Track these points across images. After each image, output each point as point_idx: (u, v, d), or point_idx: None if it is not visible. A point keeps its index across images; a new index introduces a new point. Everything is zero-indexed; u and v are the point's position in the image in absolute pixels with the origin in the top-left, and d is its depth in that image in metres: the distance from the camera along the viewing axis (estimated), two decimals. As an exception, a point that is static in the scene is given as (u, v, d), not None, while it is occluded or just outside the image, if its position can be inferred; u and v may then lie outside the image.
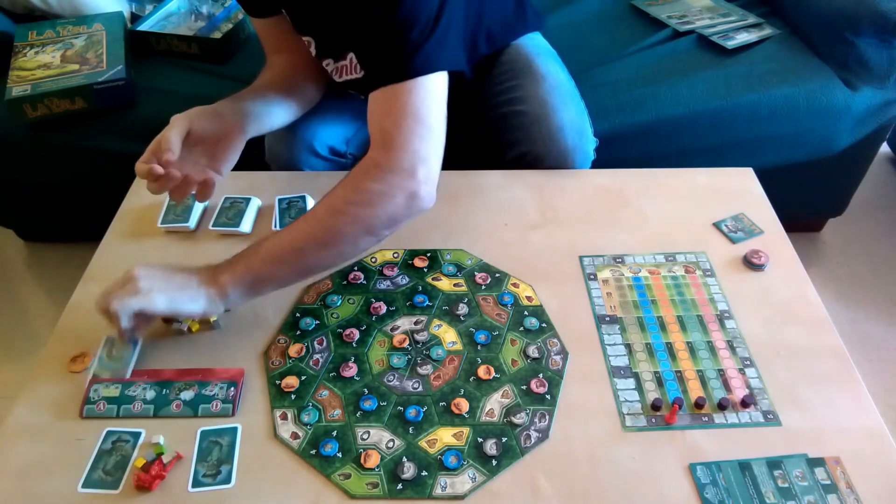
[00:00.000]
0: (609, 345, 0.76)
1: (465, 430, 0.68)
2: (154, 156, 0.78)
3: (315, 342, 0.77)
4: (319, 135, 1.02)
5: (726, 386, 0.72)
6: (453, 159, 1.09)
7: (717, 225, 0.91)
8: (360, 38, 0.81)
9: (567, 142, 0.99)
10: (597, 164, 1.05)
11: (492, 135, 1.04)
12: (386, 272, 0.85)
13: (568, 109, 1.01)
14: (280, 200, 0.94)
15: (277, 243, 0.74)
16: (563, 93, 1.02)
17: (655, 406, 0.70)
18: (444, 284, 0.84)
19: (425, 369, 0.74)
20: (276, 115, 0.93)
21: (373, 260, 0.87)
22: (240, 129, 0.86)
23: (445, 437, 0.68)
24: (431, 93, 0.74)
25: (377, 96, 0.75)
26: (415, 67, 0.72)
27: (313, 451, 0.66)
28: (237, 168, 1.01)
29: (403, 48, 0.72)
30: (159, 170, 0.77)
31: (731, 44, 1.37)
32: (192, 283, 0.72)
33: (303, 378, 0.73)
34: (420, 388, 0.72)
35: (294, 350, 0.76)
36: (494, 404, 0.71)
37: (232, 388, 0.71)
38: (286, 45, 0.97)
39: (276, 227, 0.90)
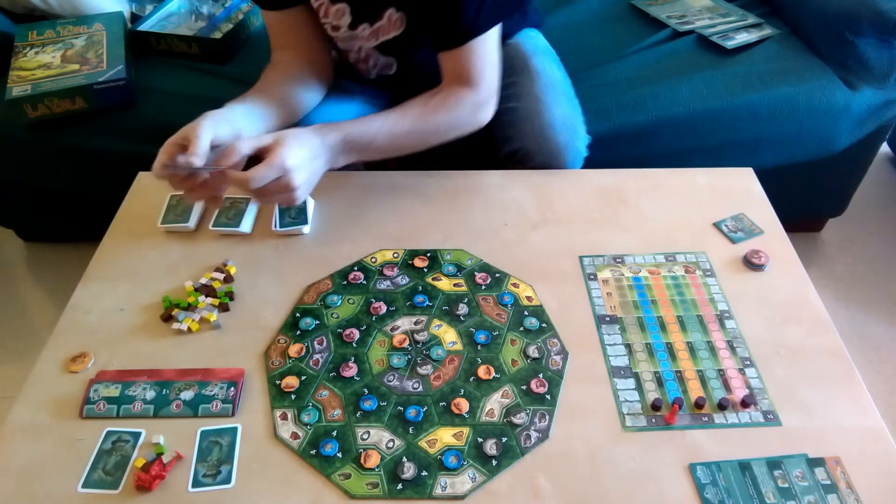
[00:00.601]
0: (609, 345, 0.76)
1: (465, 430, 0.68)
2: (174, 156, 0.76)
3: (315, 342, 0.77)
4: None
5: (726, 386, 0.72)
6: (451, 156, 1.09)
7: (717, 225, 0.91)
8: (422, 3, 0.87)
9: (558, 138, 0.99)
10: (597, 164, 1.05)
11: (487, 131, 1.05)
12: (386, 272, 0.85)
13: (560, 107, 1.01)
14: (280, 200, 0.94)
15: (387, 142, 0.88)
16: (557, 90, 1.03)
17: (655, 406, 0.70)
18: (444, 284, 0.84)
19: (425, 369, 0.74)
20: (279, 116, 0.92)
21: (373, 260, 0.87)
22: (248, 133, 0.85)
23: (445, 437, 0.68)
24: (496, 36, 0.89)
25: (458, 51, 0.87)
26: (489, 22, 0.86)
27: (313, 451, 0.66)
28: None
29: (481, 7, 0.83)
30: (184, 170, 0.76)
31: (730, 44, 1.37)
32: (320, 175, 0.85)
33: (303, 378, 0.73)
34: (420, 388, 0.72)
35: (294, 350, 0.76)
36: (494, 404, 0.71)
37: (232, 388, 0.71)
38: (294, 40, 0.97)
39: (275, 227, 0.90)
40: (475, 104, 0.92)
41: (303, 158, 0.80)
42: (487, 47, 0.88)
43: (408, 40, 0.94)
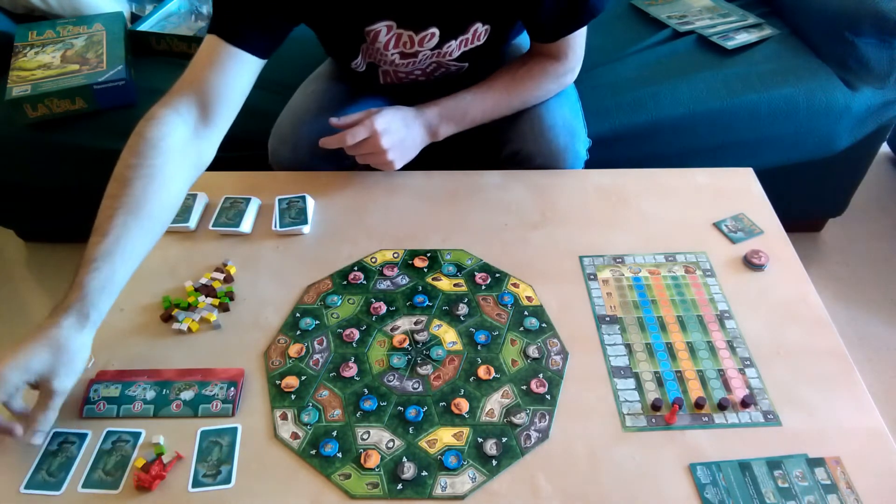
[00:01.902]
0: (609, 345, 0.76)
1: (465, 430, 0.68)
2: None
3: (315, 342, 0.77)
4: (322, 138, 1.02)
5: (726, 386, 0.72)
6: (452, 158, 1.09)
7: (717, 225, 0.91)
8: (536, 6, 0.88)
9: (559, 141, 0.99)
10: (597, 164, 1.05)
11: (489, 133, 1.05)
12: (386, 272, 0.85)
13: (561, 108, 1.01)
14: (280, 200, 0.94)
15: (479, 111, 0.96)
16: (558, 93, 1.02)
17: (655, 406, 0.70)
18: (444, 284, 0.84)
19: (425, 369, 0.74)
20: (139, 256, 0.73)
21: (373, 260, 0.87)
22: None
23: (445, 437, 0.68)
24: None
25: (562, 40, 0.93)
26: (594, 13, 0.89)
27: (313, 451, 0.66)
28: (238, 168, 1.02)
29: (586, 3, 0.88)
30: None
31: (730, 44, 1.37)
32: (417, 145, 0.95)
33: (303, 378, 0.73)
34: (420, 388, 0.72)
35: (294, 350, 0.76)
36: (494, 404, 0.71)
37: (232, 388, 0.71)
38: (219, 85, 0.81)
39: (275, 227, 0.90)
40: (559, 73, 0.98)
41: (392, 123, 0.90)
42: (584, 32, 0.95)
43: (487, 47, 0.95)
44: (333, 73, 1.13)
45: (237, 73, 0.82)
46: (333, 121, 0.92)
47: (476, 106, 0.96)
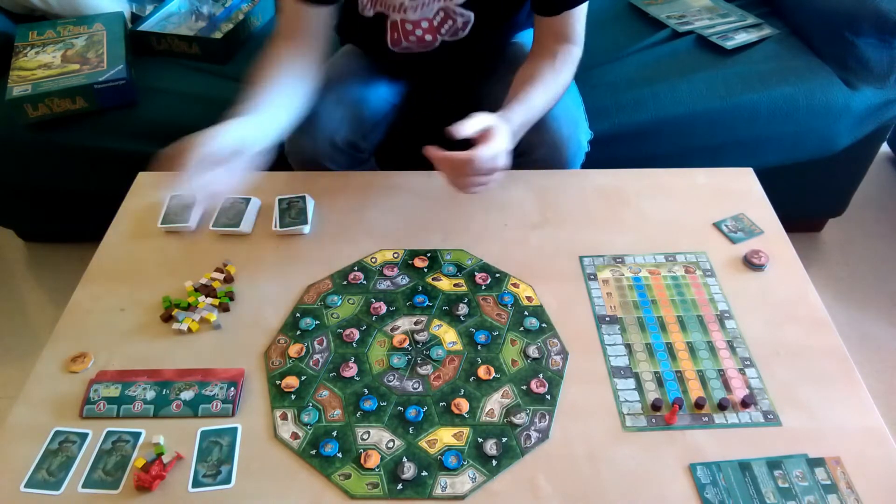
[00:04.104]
0: (609, 345, 0.76)
1: (465, 431, 0.68)
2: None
3: (315, 342, 0.77)
4: (340, 130, 1.02)
5: (726, 386, 0.72)
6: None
7: (717, 225, 0.91)
8: None
9: (561, 131, 0.99)
10: (597, 165, 1.05)
11: None
12: (386, 272, 0.85)
13: (563, 99, 1.01)
14: (280, 200, 0.94)
15: (535, 113, 0.92)
16: None
17: (655, 406, 0.70)
18: (444, 284, 0.84)
19: (425, 369, 0.74)
20: (288, 119, 0.89)
21: (373, 260, 0.87)
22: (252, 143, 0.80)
23: (445, 437, 0.68)
24: None
25: (568, 14, 0.94)
26: None
27: (313, 452, 0.66)
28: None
29: None
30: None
31: (730, 44, 1.37)
32: None
33: (303, 378, 0.73)
34: (420, 389, 0.72)
35: (294, 350, 0.76)
36: (494, 404, 0.71)
37: (232, 388, 0.71)
38: (304, 35, 0.95)
39: (275, 227, 0.90)
40: (577, 59, 0.97)
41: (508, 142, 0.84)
42: (585, 9, 0.95)
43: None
44: (345, 62, 1.13)
45: (321, 22, 0.95)
46: (454, 130, 0.79)
47: (535, 110, 0.91)
